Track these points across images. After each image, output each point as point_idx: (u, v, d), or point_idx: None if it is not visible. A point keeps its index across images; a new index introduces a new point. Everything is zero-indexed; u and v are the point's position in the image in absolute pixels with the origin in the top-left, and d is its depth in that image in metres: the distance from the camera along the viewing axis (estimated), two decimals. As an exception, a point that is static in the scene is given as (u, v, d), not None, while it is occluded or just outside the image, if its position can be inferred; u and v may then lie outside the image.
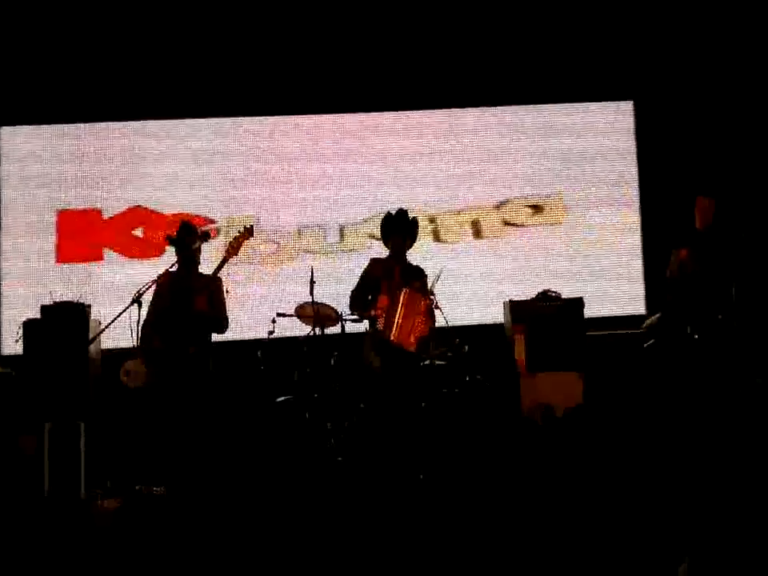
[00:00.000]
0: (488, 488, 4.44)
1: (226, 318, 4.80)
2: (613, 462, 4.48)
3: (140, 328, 4.58)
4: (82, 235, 6.34)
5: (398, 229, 5.10)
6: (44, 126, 6.34)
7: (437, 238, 6.57)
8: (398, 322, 4.75)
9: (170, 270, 4.80)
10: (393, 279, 4.98)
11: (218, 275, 4.71)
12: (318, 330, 5.24)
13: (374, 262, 5.19)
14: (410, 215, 5.20)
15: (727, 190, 6.35)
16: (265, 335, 5.33)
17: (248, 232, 4.78)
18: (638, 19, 6.51)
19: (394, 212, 5.17)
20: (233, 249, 4.72)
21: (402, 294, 4.79)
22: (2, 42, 6.24)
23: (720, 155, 6.46)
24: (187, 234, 4.80)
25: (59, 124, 6.34)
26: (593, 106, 6.63)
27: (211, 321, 4.72)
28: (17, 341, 5.35)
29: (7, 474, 4.92)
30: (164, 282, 4.72)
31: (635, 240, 6.55)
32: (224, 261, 4.68)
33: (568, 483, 4.30)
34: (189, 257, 4.76)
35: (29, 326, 5.40)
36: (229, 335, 4.96)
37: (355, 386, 5.12)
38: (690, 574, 2.08)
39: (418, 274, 5.15)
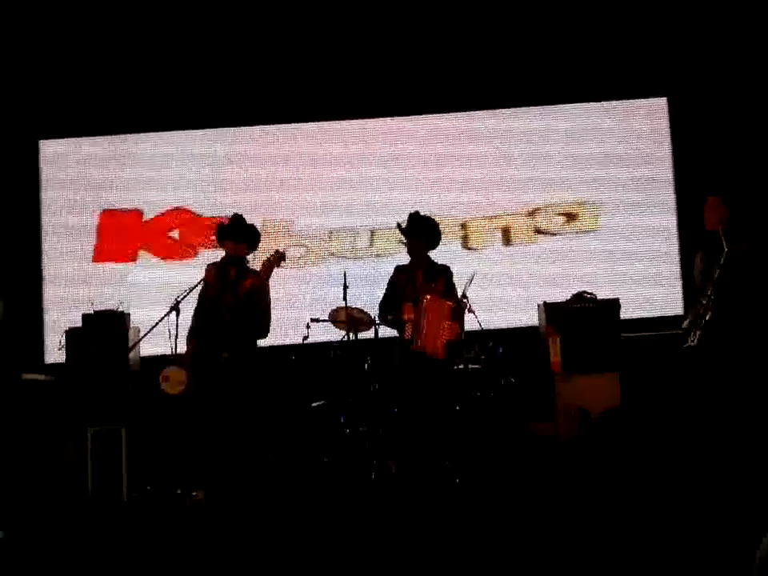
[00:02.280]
0: (523, 492, 4.42)
1: (268, 320, 4.81)
2: (650, 464, 4.44)
3: (187, 333, 4.70)
4: (120, 236, 6.48)
5: (411, 232, 5.11)
6: (82, 137, 6.52)
7: (465, 244, 6.55)
8: (423, 329, 4.76)
9: (216, 263, 4.90)
10: (415, 283, 5.00)
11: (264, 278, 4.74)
12: (351, 335, 5.27)
13: (398, 270, 5.22)
14: (427, 216, 5.20)
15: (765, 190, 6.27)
16: (299, 340, 5.39)
17: (280, 258, 4.75)
18: (669, 15, 6.42)
19: (405, 220, 5.17)
20: (264, 274, 4.73)
21: (425, 301, 4.79)
22: (47, 56, 6.42)
23: (758, 153, 6.33)
24: (240, 226, 4.85)
25: (98, 136, 6.52)
26: (625, 104, 6.54)
27: (258, 306, 4.71)
28: (59, 349, 5.50)
29: (52, 477, 5.06)
30: (211, 275, 4.81)
31: (672, 243, 6.45)
32: (255, 286, 4.71)
33: (604, 487, 4.26)
34: (237, 250, 4.80)
35: (71, 334, 5.54)
36: (263, 340, 5.03)
37: (389, 390, 5.14)
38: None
39: (443, 272, 5.15)
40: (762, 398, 4.31)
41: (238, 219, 4.90)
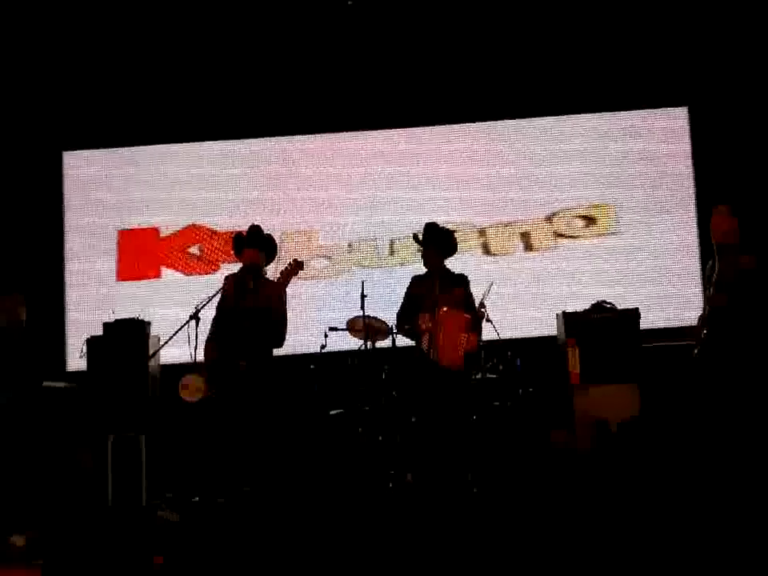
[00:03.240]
0: (540, 502, 4.40)
1: (284, 328, 4.82)
2: (670, 475, 4.40)
3: (205, 342, 4.73)
4: (141, 253, 6.58)
5: (427, 243, 5.12)
6: (103, 149, 6.61)
7: (487, 251, 6.56)
8: (440, 341, 4.76)
9: (234, 274, 4.95)
10: (432, 292, 5.01)
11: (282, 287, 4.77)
12: (369, 344, 5.28)
13: (415, 280, 5.23)
14: (443, 226, 5.22)
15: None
16: (317, 349, 5.41)
17: (297, 266, 4.77)
18: (692, 24, 6.40)
19: (421, 231, 5.18)
20: (282, 283, 4.75)
21: (441, 313, 4.79)
22: (63, 68, 6.52)
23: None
24: (258, 235, 4.89)
25: (118, 147, 6.61)
26: (646, 113, 6.54)
27: (275, 314, 4.73)
28: (81, 357, 5.56)
29: (72, 484, 5.11)
30: (230, 285, 4.86)
31: (693, 250, 6.41)
32: (273, 295, 4.73)
33: (622, 498, 4.22)
34: (255, 258, 4.84)
35: (92, 342, 5.61)
36: (281, 349, 5.05)
37: (406, 400, 5.14)
38: None
39: (460, 281, 5.15)
40: (761, 411, 4.26)
41: (255, 229, 4.94)
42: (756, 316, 4.35)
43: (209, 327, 4.84)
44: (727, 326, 4.36)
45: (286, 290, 4.81)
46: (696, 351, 4.51)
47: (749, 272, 4.38)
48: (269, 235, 4.97)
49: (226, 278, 4.97)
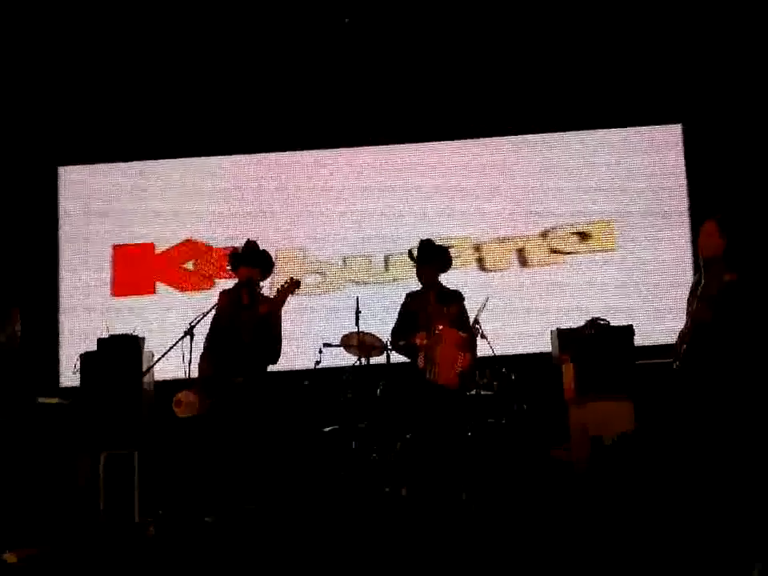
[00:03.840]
0: (535, 518, 4.39)
1: (279, 345, 4.83)
2: (662, 489, 4.39)
3: (199, 358, 4.72)
4: (135, 269, 6.58)
5: (422, 260, 5.13)
6: (99, 164, 6.63)
7: (482, 266, 6.58)
8: (437, 360, 4.77)
9: (228, 289, 4.95)
10: (427, 308, 5.00)
11: (276, 307, 4.76)
12: (363, 360, 5.28)
13: (409, 296, 5.23)
14: (438, 243, 5.23)
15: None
16: (311, 365, 5.40)
17: (294, 284, 4.76)
18: (685, 41, 6.45)
19: (416, 247, 5.19)
20: (279, 300, 4.75)
21: (437, 332, 4.79)
22: (60, 82, 6.54)
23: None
24: (254, 252, 4.89)
25: (115, 162, 6.63)
26: (641, 129, 6.59)
27: (272, 331, 4.74)
28: (74, 372, 5.54)
29: (65, 500, 5.08)
30: (224, 301, 4.85)
31: (686, 267, 6.43)
32: (269, 312, 4.73)
33: (616, 513, 4.22)
34: (250, 276, 4.84)
35: (86, 358, 5.59)
36: (276, 365, 5.04)
37: (401, 416, 5.13)
38: None
39: (455, 297, 5.15)
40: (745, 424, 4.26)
41: (251, 245, 4.94)
42: (738, 331, 4.36)
43: (202, 343, 4.83)
44: (710, 340, 4.37)
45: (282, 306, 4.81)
46: (676, 365, 4.51)
47: (733, 287, 4.39)
48: (264, 251, 4.97)
49: (221, 293, 4.97)
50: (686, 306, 4.68)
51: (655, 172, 6.58)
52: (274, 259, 5.08)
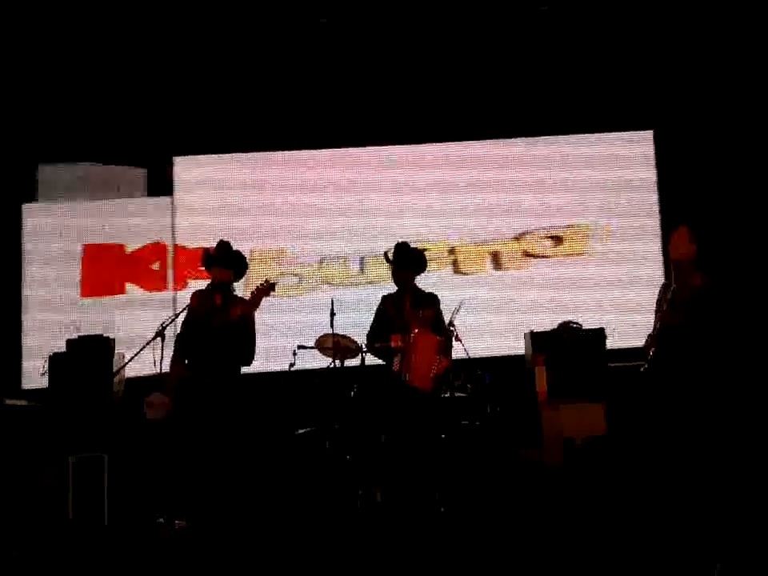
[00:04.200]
0: (508, 520, 4.40)
1: (254, 347, 4.78)
2: (634, 491, 4.44)
3: (170, 358, 4.67)
4: (105, 269, 6.50)
5: (399, 263, 5.10)
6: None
7: (457, 269, 6.60)
8: (412, 364, 4.75)
9: (201, 290, 4.90)
10: (403, 311, 4.99)
11: (249, 309, 4.71)
12: (338, 362, 5.25)
13: (385, 299, 5.21)
14: (414, 246, 5.21)
15: (751, 218, 6.34)
16: (286, 367, 5.37)
17: (270, 287, 4.72)
18: (657, 48, 6.54)
19: (392, 250, 5.16)
20: (254, 303, 4.70)
21: (413, 336, 4.77)
22: (34, 80, 6.43)
23: (742, 184, 6.43)
24: (227, 253, 4.84)
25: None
26: (612, 135, 6.67)
27: (245, 329, 4.70)
28: (42, 374, 5.44)
29: (32, 504, 4.98)
30: (196, 302, 4.80)
31: (657, 270, 6.52)
32: (243, 315, 4.69)
33: (589, 515, 4.25)
34: (223, 276, 4.79)
35: (54, 359, 5.49)
36: (249, 367, 5.00)
37: (375, 418, 5.12)
38: None
39: (430, 300, 5.16)
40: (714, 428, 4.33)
41: (224, 246, 4.89)
42: (708, 334, 4.43)
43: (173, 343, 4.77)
44: (680, 343, 4.43)
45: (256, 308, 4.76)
46: (644, 368, 4.56)
47: (702, 290, 4.47)
48: (237, 252, 4.93)
49: (194, 294, 4.91)
50: (654, 309, 4.74)
51: (627, 177, 6.66)
52: (248, 260, 5.03)
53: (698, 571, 2.77)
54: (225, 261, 4.81)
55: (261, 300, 4.72)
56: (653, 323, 4.68)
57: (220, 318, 4.69)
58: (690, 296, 4.47)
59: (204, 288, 4.92)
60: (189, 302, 4.83)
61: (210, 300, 4.80)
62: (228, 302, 4.77)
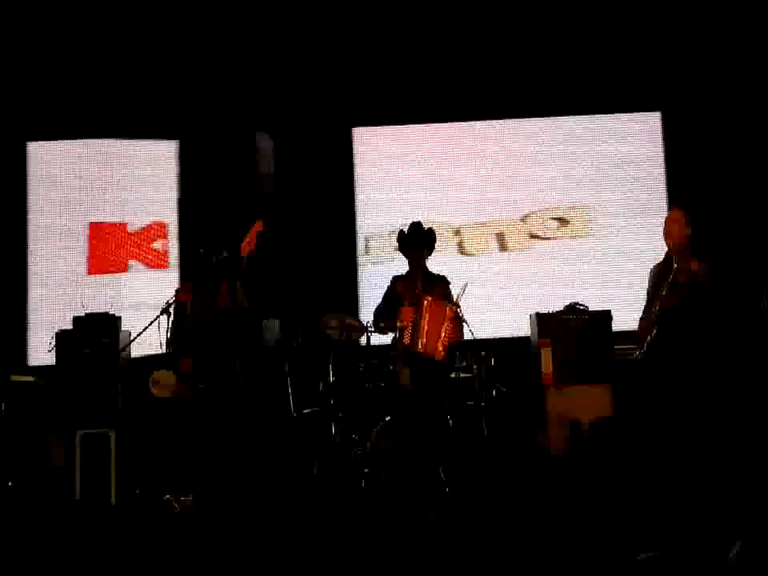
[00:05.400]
0: (513, 503, 4.42)
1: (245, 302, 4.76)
2: (641, 472, 4.46)
3: (168, 338, 4.65)
4: (109, 247, 6.52)
5: (415, 242, 5.10)
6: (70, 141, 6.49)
7: (462, 250, 6.59)
8: (424, 331, 4.71)
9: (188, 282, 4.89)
10: (415, 290, 4.97)
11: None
12: (343, 341, 5.25)
13: (396, 280, 5.21)
14: (426, 226, 5.22)
15: (759, 202, 6.32)
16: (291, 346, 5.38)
17: (258, 224, 4.70)
18: (665, 29, 6.48)
19: (407, 227, 5.17)
20: (248, 244, 4.68)
21: (426, 303, 4.76)
22: (29, 58, 6.37)
23: (750, 166, 6.39)
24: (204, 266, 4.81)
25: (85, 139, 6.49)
26: (621, 117, 6.62)
27: (234, 312, 4.70)
28: (49, 351, 5.45)
29: (39, 481, 5.01)
30: (186, 290, 4.77)
31: (663, 252, 6.49)
32: (241, 260, 4.66)
33: (594, 499, 4.27)
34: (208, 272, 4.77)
35: (61, 336, 5.50)
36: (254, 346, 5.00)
37: (382, 398, 5.13)
38: (741, 558, 2.06)
39: (441, 281, 5.15)
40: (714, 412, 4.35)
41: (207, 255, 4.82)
42: (706, 318, 4.44)
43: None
44: (678, 327, 4.43)
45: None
46: (640, 352, 4.54)
47: (702, 277, 4.45)
48: (204, 252, 4.88)
49: (179, 287, 4.88)
50: (647, 290, 4.70)
51: (634, 159, 6.62)
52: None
53: (715, 551, 2.79)
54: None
55: (255, 239, 4.66)
56: (645, 307, 4.67)
57: (209, 305, 4.63)
58: (687, 281, 4.46)
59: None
60: (176, 294, 4.76)
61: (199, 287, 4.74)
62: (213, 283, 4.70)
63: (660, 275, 4.63)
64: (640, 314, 5.93)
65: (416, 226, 5.16)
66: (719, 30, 6.43)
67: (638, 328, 4.65)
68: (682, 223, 4.62)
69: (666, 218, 4.70)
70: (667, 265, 4.65)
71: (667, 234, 4.62)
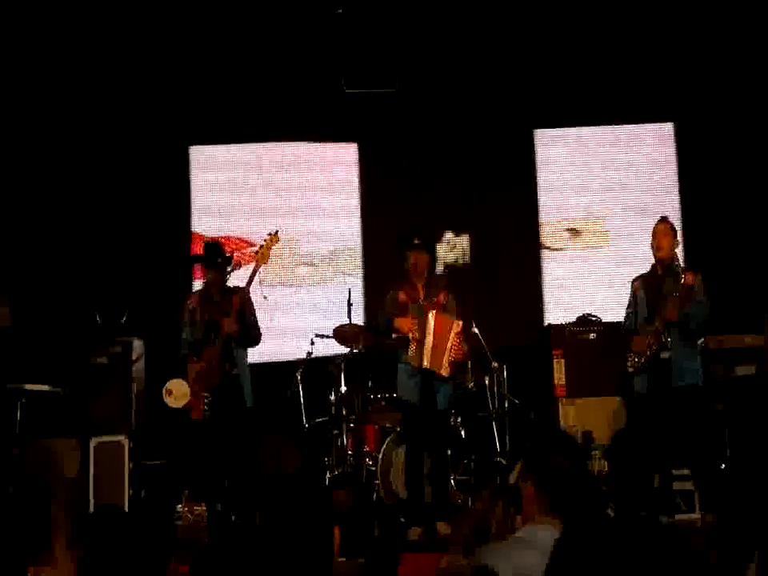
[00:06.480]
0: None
1: (258, 329, 4.77)
2: (656, 482, 4.43)
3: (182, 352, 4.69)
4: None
5: (422, 247, 4.91)
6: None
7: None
8: (429, 346, 4.62)
9: (196, 292, 4.93)
10: (417, 297, 4.79)
11: (248, 287, 4.67)
12: (355, 351, 5.27)
13: (395, 287, 4.93)
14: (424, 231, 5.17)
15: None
16: (303, 356, 5.40)
17: (274, 237, 4.72)
18: (678, 42, 6.47)
19: (407, 229, 5.05)
20: (262, 257, 4.69)
21: (430, 316, 4.64)
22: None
23: (761, 174, 6.36)
24: (214, 253, 4.83)
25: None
26: (634, 127, 6.60)
27: (241, 339, 4.70)
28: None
29: (53, 489, 5.03)
30: (195, 306, 4.77)
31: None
32: (255, 271, 4.66)
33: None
34: (216, 277, 4.77)
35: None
36: (266, 353, 5.00)
37: (392, 408, 5.13)
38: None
39: (441, 281, 5.10)
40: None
41: (211, 248, 4.84)
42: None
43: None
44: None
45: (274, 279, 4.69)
46: (638, 361, 4.51)
47: (694, 290, 4.46)
48: (216, 243, 4.92)
49: (189, 295, 4.91)
50: (629, 301, 4.66)
51: (647, 170, 6.59)
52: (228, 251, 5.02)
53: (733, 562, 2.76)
54: (213, 264, 4.74)
55: (269, 252, 4.69)
56: (628, 317, 4.65)
57: (219, 313, 4.62)
58: (681, 294, 4.45)
59: (200, 289, 4.92)
60: (186, 304, 4.78)
61: (208, 297, 4.73)
62: (224, 295, 4.68)
63: (652, 288, 4.57)
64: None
65: (417, 227, 5.07)
66: (730, 44, 6.42)
67: (629, 340, 4.60)
68: (672, 236, 4.61)
69: (656, 231, 4.65)
70: (655, 277, 4.61)
71: (658, 248, 4.59)
